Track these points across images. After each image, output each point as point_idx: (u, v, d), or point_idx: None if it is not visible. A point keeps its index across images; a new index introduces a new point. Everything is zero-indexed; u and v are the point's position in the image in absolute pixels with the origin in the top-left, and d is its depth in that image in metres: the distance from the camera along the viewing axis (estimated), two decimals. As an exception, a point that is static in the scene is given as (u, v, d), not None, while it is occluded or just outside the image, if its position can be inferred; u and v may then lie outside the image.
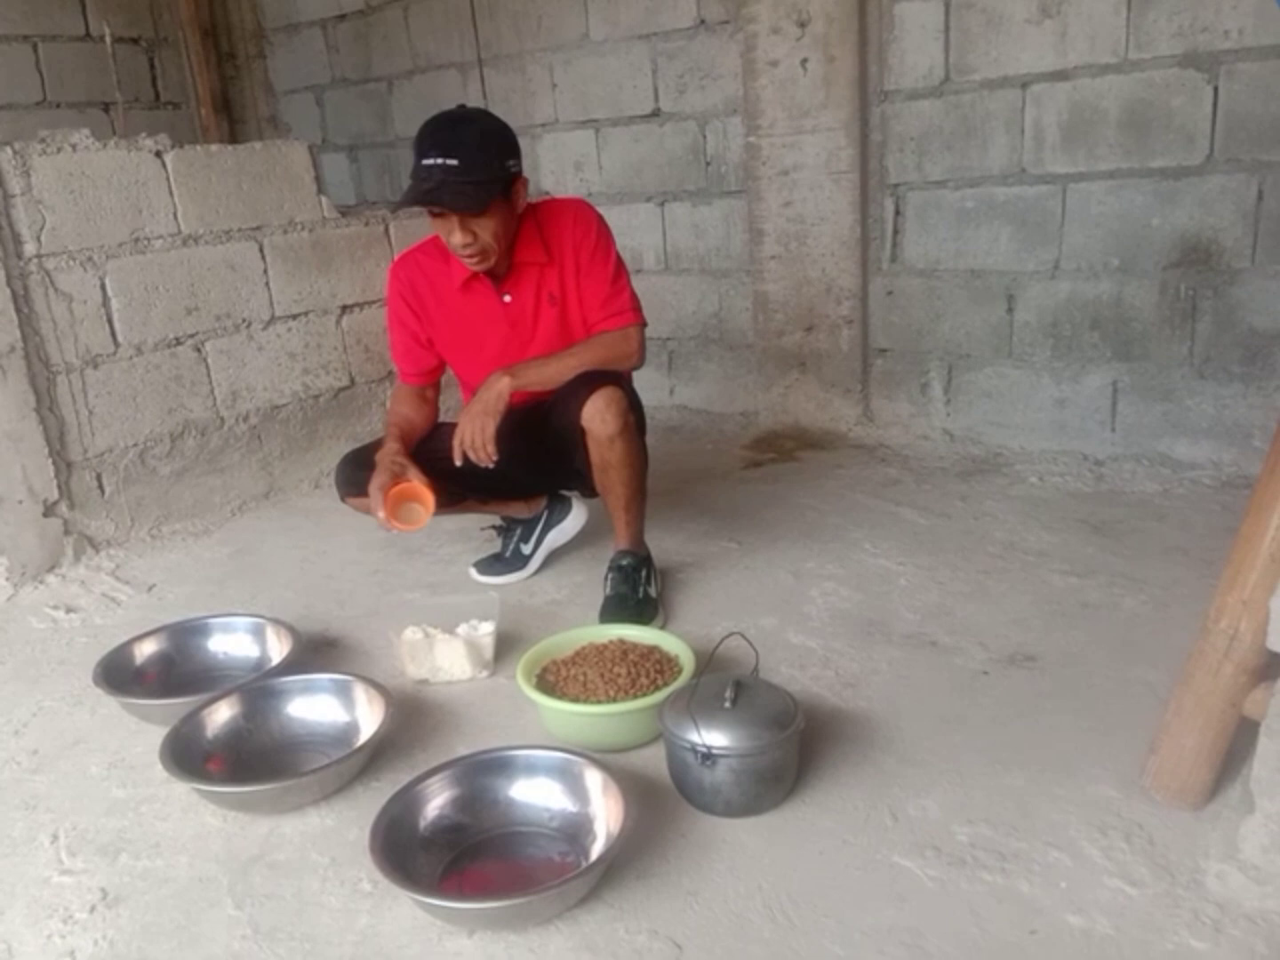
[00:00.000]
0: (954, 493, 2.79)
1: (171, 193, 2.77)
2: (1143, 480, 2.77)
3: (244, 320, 2.97)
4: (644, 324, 2.15)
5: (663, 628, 2.07)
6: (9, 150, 2.45)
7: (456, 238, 1.95)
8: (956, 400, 3.18)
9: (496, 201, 1.93)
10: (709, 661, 1.63)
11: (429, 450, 2.15)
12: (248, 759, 1.69)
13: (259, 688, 1.80)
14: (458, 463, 2.00)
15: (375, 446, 2.15)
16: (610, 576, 2.16)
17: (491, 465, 1.98)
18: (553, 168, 3.82)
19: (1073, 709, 1.74)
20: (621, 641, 1.84)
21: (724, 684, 1.53)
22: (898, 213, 3.13)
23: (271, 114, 4.68)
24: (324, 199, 3.14)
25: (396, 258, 2.25)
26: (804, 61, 3.06)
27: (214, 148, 2.90)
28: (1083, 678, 1.83)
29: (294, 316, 3.09)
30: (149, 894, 1.43)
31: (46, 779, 1.73)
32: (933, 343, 3.17)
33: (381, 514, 1.98)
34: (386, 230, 3.30)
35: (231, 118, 4.66)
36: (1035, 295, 2.96)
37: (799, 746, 1.55)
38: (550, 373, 2.05)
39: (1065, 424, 3.00)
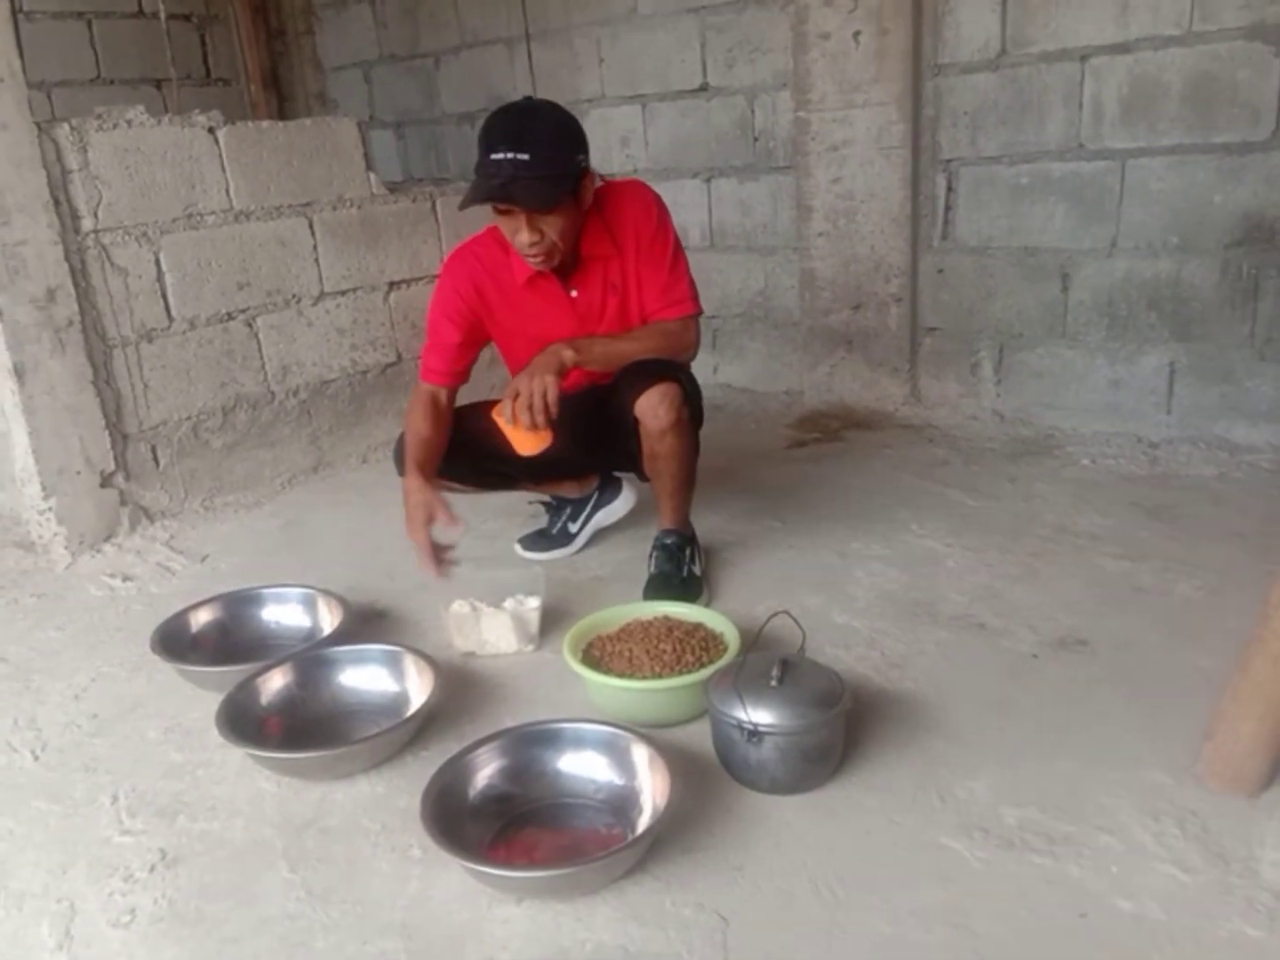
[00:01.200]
0: (1003, 474, 2.75)
1: (224, 168, 2.80)
2: (1199, 463, 2.72)
3: (294, 296, 3.00)
4: (700, 313, 2.11)
5: (707, 606, 2.07)
6: (66, 126, 2.50)
7: (524, 236, 1.87)
8: (1007, 380, 3.13)
9: (565, 198, 1.86)
10: (756, 639, 1.63)
11: (477, 433, 2.13)
12: (301, 726, 1.72)
13: (312, 657, 1.84)
14: (506, 425, 1.91)
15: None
16: (655, 555, 2.16)
17: (549, 431, 1.89)
18: (599, 144, 3.80)
19: (1124, 694, 1.71)
20: (667, 618, 1.85)
21: (770, 662, 1.53)
22: (950, 189, 3.07)
23: (320, 90, 4.71)
24: (373, 176, 3.15)
25: (453, 251, 2.15)
26: (856, 34, 3.01)
27: (265, 124, 2.93)
28: (1135, 663, 1.80)
29: (342, 293, 3.11)
30: (206, 855, 1.47)
31: (106, 742, 1.78)
32: (984, 321, 3.12)
33: (430, 564, 1.95)
34: (434, 207, 3.31)
35: (280, 94, 4.69)
36: (1091, 274, 2.90)
37: (845, 726, 1.55)
38: (613, 354, 2.01)
39: (1119, 405, 2.94)
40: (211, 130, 2.77)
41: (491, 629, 1.96)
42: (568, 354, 1.92)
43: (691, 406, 2.05)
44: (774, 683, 1.49)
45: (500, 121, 1.86)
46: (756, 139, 3.44)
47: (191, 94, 4.39)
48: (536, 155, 1.80)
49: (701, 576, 2.19)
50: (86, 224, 2.55)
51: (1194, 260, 2.73)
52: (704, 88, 3.50)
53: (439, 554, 1.97)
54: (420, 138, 4.40)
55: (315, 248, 3.02)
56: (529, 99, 1.96)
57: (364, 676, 1.81)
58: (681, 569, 2.13)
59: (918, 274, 3.20)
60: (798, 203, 3.32)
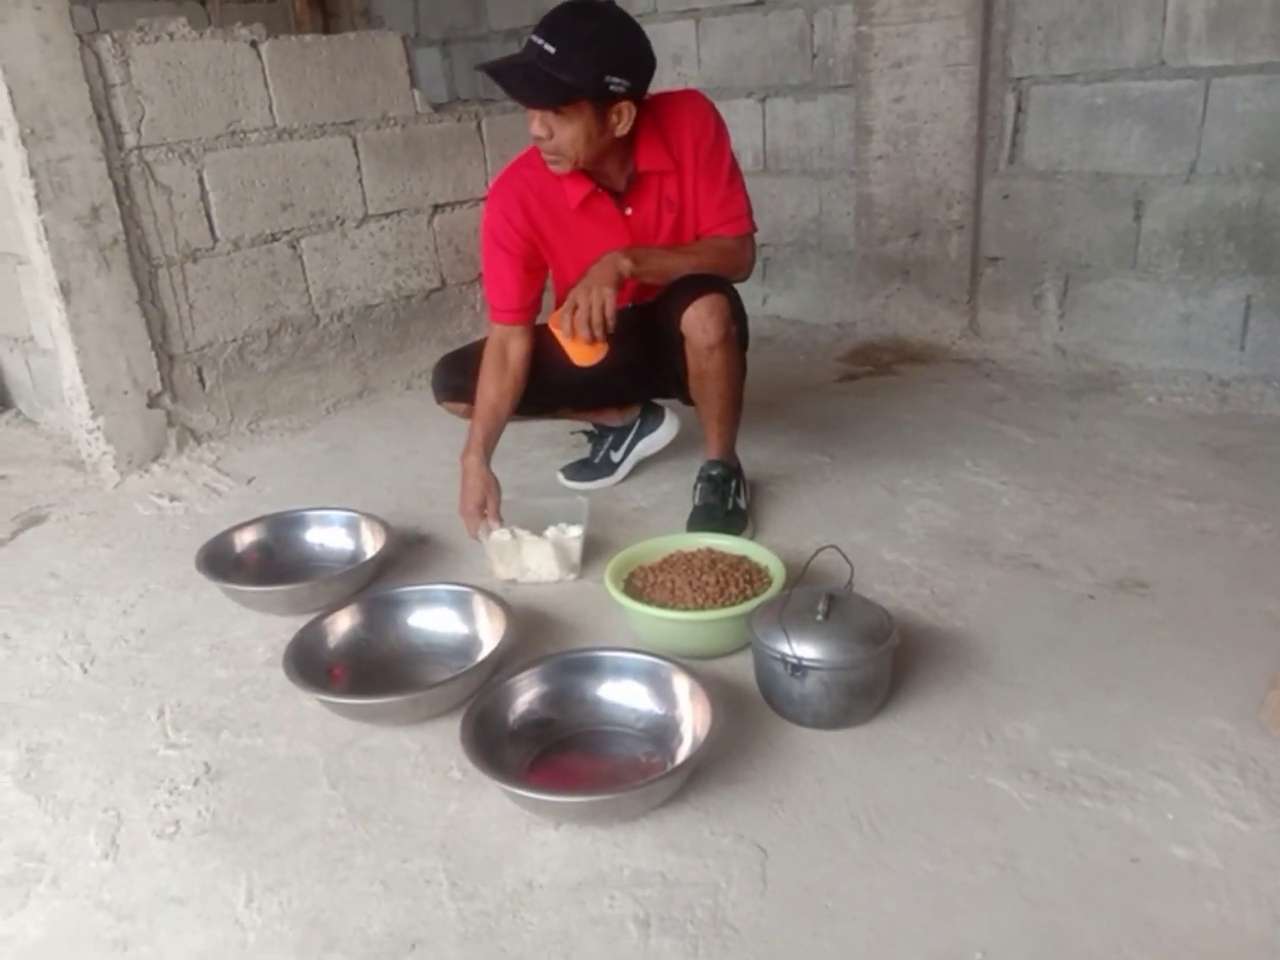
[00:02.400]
0: (1063, 411, 2.66)
1: (267, 84, 2.74)
2: (1272, 403, 2.59)
3: (338, 218, 2.95)
4: (755, 230, 2.05)
5: (751, 539, 2.03)
6: (109, 39, 2.45)
7: (533, 126, 1.82)
8: (1071, 314, 3.01)
9: (582, 109, 1.77)
10: (802, 574, 1.59)
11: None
12: (367, 670, 1.67)
13: (378, 598, 1.79)
14: (565, 337, 1.85)
15: (472, 352, 2.11)
16: (700, 486, 2.12)
17: (604, 344, 1.84)
18: (650, 62, 3.67)
19: (1185, 638, 1.65)
20: (710, 550, 1.81)
21: (817, 596, 1.49)
22: (1019, 109, 2.92)
23: (365, 7, 4.59)
24: (417, 94, 3.07)
25: (498, 176, 2.06)
26: (925, -58, 2.84)
27: (308, 38, 2.86)
28: (1197, 606, 1.74)
29: (386, 215, 3.06)
30: (249, 770, 1.48)
31: (153, 657, 1.80)
32: (1049, 251, 2.99)
33: (496, 566, 1.97)
34: (479, 127, 3.23)
35: (325, 10, 4.58)
36: (1166, 201, 2.74)
37: (892, 663, 1.51)
38: (670, 265, 1.94)
39: (1190, 341, 2.81)
40: (254, 44, 2.71)
41: (533, 556, 1.94)
42: (625, 263, 1.86)
43: (739, 324, 1.99)
44: (820, 617, 1.46)
45: (561, 10, 1.78)
46: (815, 56, 3.30)
47: (235, 9, 4.32)
48: (562, 53, 1.72)
49: (747, 510, 2.14)
50: (130, 140, 2.52)
51: (1278, 187, 2.57)
52: (761, 1, 3.34)
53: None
54: (467, 56, 4.29)
55: (359, 168, 2.97)
56: (611, 3, 1.83)
57: (433, 618, 1.77)
58: (727, 501, 2.09)
59: (981, 200, 3.06)
60: (856, 124, 3.19)
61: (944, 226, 3.10)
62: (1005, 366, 3.03)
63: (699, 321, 1.89)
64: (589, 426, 2.46)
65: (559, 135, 1.81)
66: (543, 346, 2.04)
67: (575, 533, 1.97)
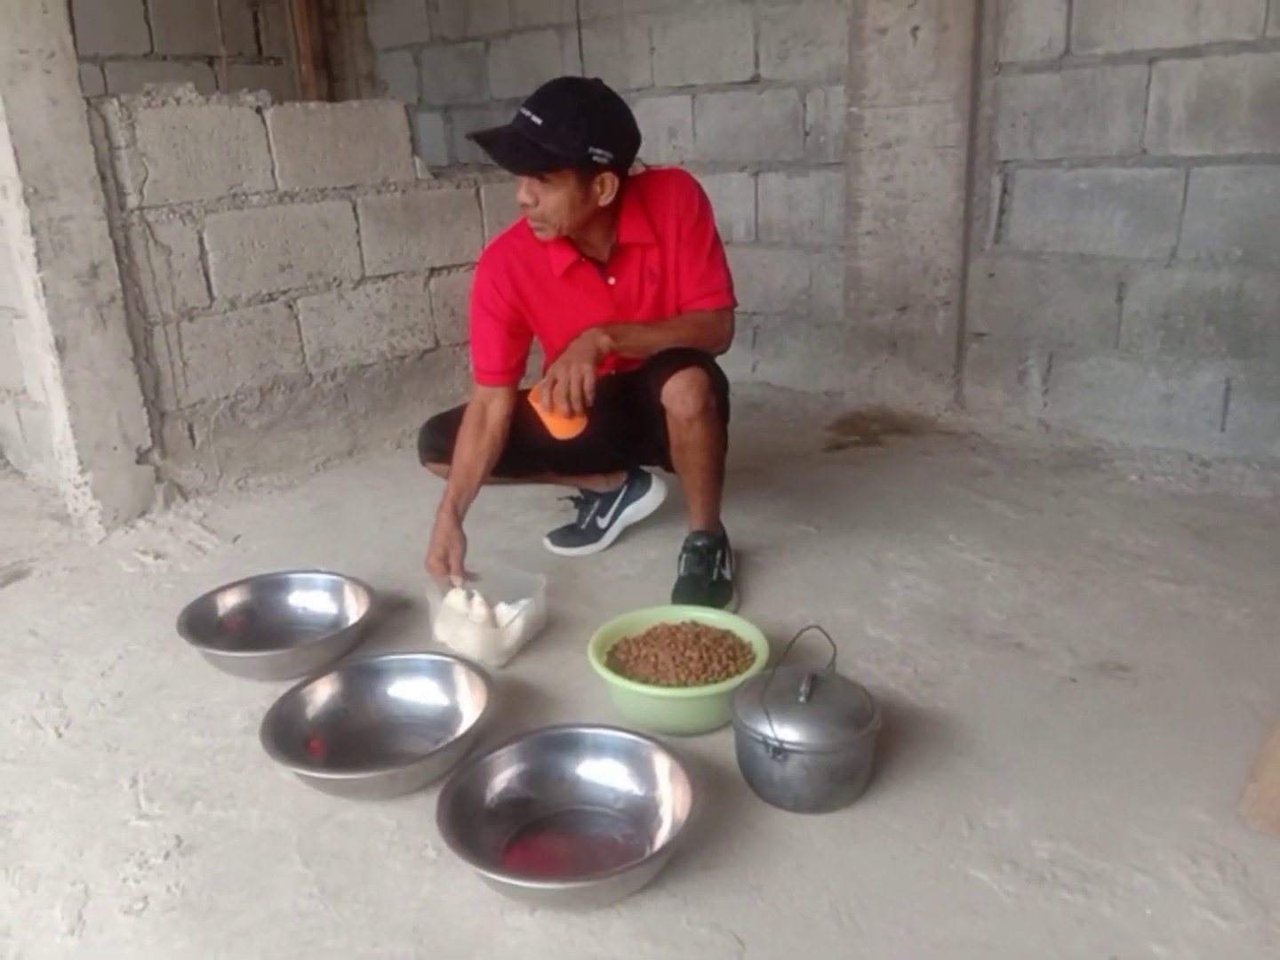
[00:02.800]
0: (1047, 487, 2.68)
1: (270, 149, 2.79)
2: (1252, 485, 2.63)
3: (335, 279, 2.99)
4: (735, 305, 2.09)
5: (735, 611, 2.03)
6: (115, 103, 2.50)
7: (520, 193, 1.89)
8: (1055, 390, 3.05)
9: (566, 177, 1.83)
10: (786, 653, 1.59)
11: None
12: (346, 741, 1.65)
13: (357, 666, 1.78)
14: (544, 411, 1.89)
15: (458, 415, 2.13)
16: (684, 557, 2.12)
17: (583, 418, 1.88)
18: (646, 134, 3.68)
19: (1166, 724, 1.65)
20: (695, 624, 1.81)
21: (799, 677, 1.49)
22: (1005, 191, 2.99)
23: (370, 71, 4.70)
24: (418, 160, 3.14)
25: (488, 245, 2.13)
26: (914, 29, 2.94)
27: (313, 105, 2.92)
28: (1178, 692, 1.74)
29: (383, 277, 3.10)
30: (221, 844, 1.46)
31: (129, 722, 1.78)
32: (1034, 329, 3.04)
33: (436, 624, 1.95)
34: (478, 193, 3.29)
35: (331, 74, 4.69)
36: (1148, 284, 2.81)
37: (874, 746, 1.50)
38: (648, 341, 1.99)
39: (1171, 421, 2.85)
40: (259, 110, 2.76)
41: (469, 635, 1.88)
42: (604, 340, 1.91)
43: (719, 396, 2.02)
44: (802, 699, 1.46)
45: (545, 85, 1.88)
46: (807, 134, 3.38)
47: (243, 72, 4.40)
48: (549, 124, 1.80)
49: (731, 581, 2.15)
50: (132, 200, 2.56)
51: (1257, 274, 2.64)
52: (755, 80, 3.44)
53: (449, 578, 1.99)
54: (468, 121, 4.38)
55: (358, 231, 3.01)
56: (596, 80, 1.93)
57: (413, 688, 1.75)
58: (711, 572, 2.10)
59: (968, 277, 3.12)
60: (846, 200, 3.26)
61: (931, 302, 3.16)
62: (990, 440, 3.06)
63: (678, 394, 1.92)
64: (575, 492, 2.47)
65: (544, 202, 1.88)
66: (527, 414, 2.07)
67: (517, 624, 1.91)
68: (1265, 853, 1.35)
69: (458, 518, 2.05)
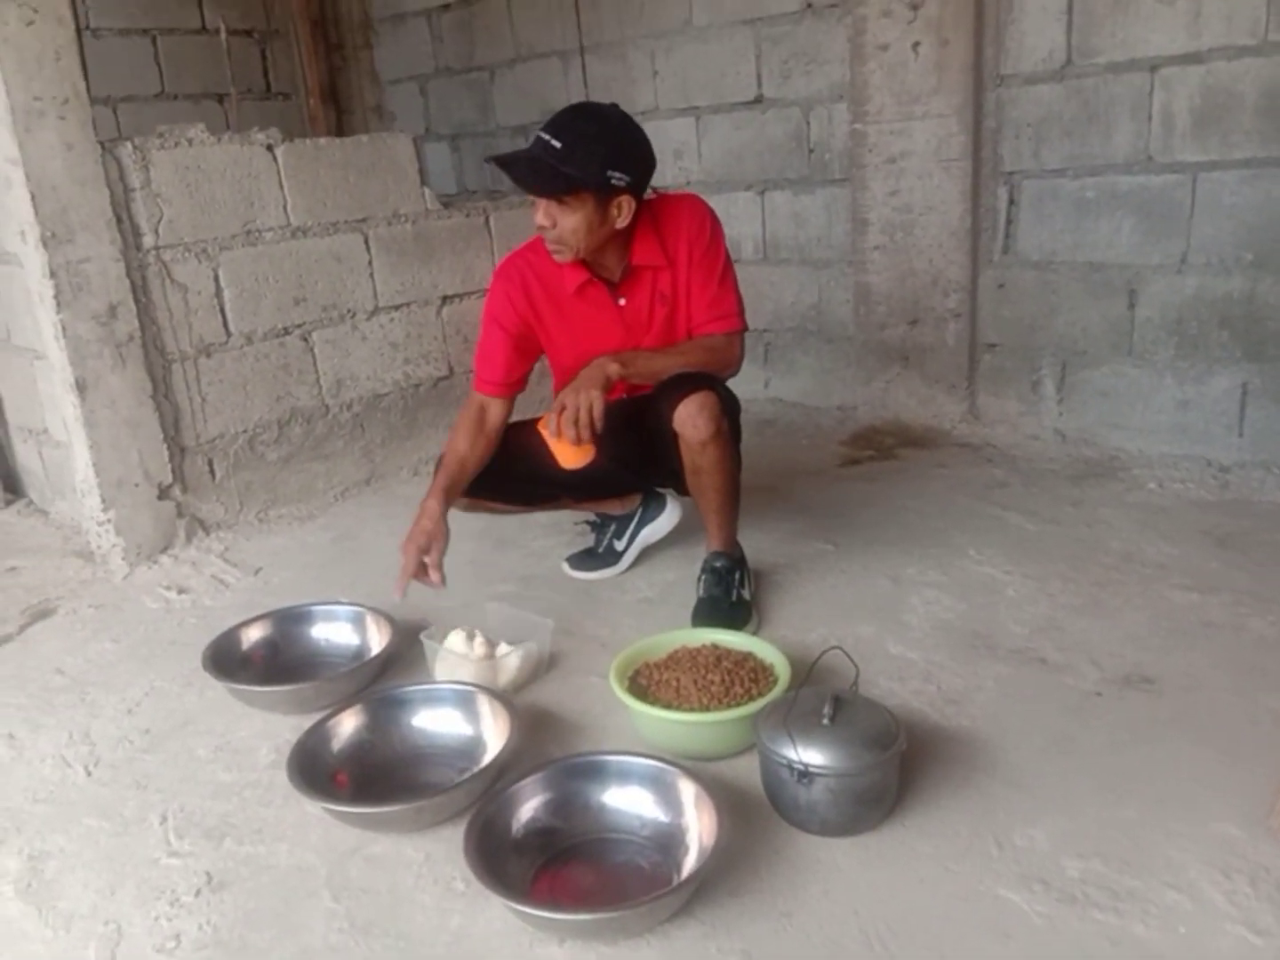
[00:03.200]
0: (1065, 497, 2.67)
1: (282, 185, 2.83)
2: (1273, 490, 2.61)
3: (349, 311, 3.02)
4: (746, 329, 2.11)
5: (755, 632, 2.03)
6: (129, 146, 2.54)
7: (538, 216, 1.91)
8: (1070, 399, 3.04)
9: (584, 200, 1.86)
10: (808, 675, 1.59)
11: (519, 447, 2.13)
12: (371, 773, 1.66)
13: (380, 698, 1.79)
14: (552, 438, 1.91)
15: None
16: (703, 578, 2.13)
17: (592, 445, 1.89)
18: (652, 156, 3.78)
19: (1193, 738, 1.64)
20: (715, 646, 1.82)
21: (822, 699, 1.49)
22: (1012, 202, 3.00)
23: (377, 103, 4.76)
24: (427, 191, 3.17)
25: (504, 258, 2.17)
26: (915, 45, 2.95)
27: (323, 141, 2.96)
28: (1205, 704, 1.73)
29: (396, 307, 3.13)
30: (251, 880, 1.47)
31: (156, 759, 1.80)
32: (1046, 338, 3.04)
33: (401, 584, 1.94)
34: (487, 221, 3.32)
35: (339, 107, 4.75)
36: (1159, 290, 2.80)
37: (899, 766, 1.50)
38: (657, 367, 2.00)
39: (1188, 427, 2.84)
40: (270, 148, 2.80)
41: (465, 672, 1.87)
42: (613, 368, 1.93)
43: (730, 419, 2.03)
44: (825, 721, 1.45)
45: (562, 111, 1.92)
46: (811, 151, 3.40)
47: (252, 108, 4.47)
48: (567, 148, 1.83)
49: (751, 601, 2.15)
50: (148, 241, 2.60)
51: (1269, 277, 2.63)
52: (759, 99, 3.46)
53: (420, 573, 1.95)
54: (475, 150, 4.43)
55: (370, 263, 3.04)
56: (613, 105, 1.96)
57: (437, 718, 1.75)
58: (730, 593, 2.10)
59: (977, 289, 3.12)
60: (853, 216, 3.27)
61: (941, 314, 3.16)
62: (1006, 451, 3.05)
63: (689, 419, 1.92)
64: (592, 516, 2.48)
65: (562, 224, 1.90)
66: (538, 443, 2.08)
67: (513, 663, 1.90)
68: (1298, 866, 1.34)
69: (445, 509, 2.03)
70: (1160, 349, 2.84)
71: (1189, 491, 2.65)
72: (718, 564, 2.12)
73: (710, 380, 1.99)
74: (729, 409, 2.02)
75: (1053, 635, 1.99)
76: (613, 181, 1.87)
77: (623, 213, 1.92)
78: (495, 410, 2.14)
